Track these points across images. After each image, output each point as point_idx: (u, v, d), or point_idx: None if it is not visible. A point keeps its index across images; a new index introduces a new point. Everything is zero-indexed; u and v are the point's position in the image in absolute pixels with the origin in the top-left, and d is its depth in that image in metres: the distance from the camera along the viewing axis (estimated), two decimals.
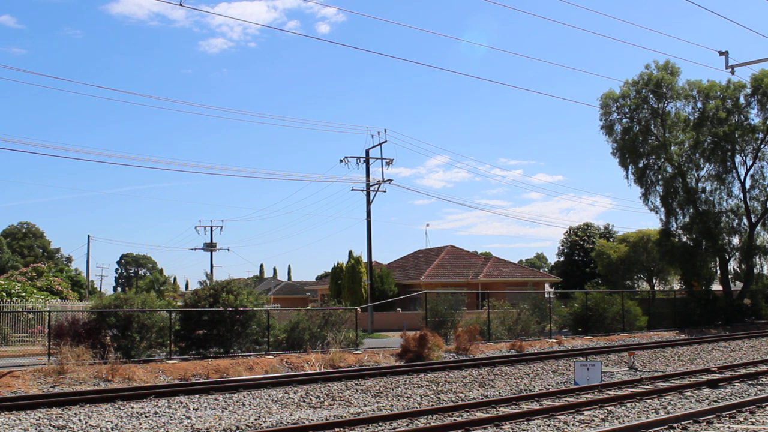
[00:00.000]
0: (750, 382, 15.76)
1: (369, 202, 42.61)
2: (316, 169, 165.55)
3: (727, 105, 49.44)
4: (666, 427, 10.41)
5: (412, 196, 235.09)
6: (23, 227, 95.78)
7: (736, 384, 15.41)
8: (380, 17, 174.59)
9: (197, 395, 15.05)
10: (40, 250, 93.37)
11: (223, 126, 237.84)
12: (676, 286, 54.57)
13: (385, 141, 42.25)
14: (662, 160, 51.06)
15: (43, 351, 22.44)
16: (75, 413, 12.77)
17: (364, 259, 47.78)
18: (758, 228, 50.30)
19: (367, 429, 10.94)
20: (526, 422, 11.24)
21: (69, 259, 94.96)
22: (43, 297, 39.47)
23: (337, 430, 10.86)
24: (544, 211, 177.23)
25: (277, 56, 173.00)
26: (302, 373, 19.91)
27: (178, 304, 33.71)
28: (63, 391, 16.76)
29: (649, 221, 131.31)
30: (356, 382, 16.40)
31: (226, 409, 13.11)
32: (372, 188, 42.48)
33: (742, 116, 49.96)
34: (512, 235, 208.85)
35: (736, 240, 50.91)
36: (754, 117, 50.19)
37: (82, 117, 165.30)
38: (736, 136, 49.60)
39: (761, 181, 51.39)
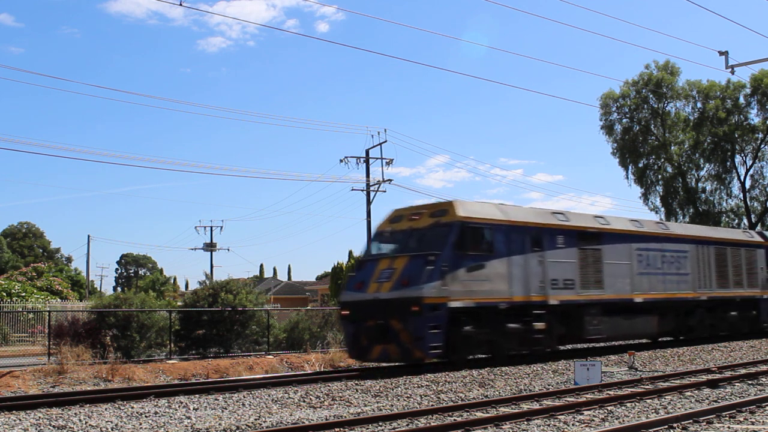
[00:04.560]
0: (750, 382, 15.76)
1: (369, 202, 42.60)
2: (316, 169, 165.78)
3: (727, 105, 49.53)
4: (666, 427, 10.41)
5: (412, 196, 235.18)
6: (23, 227, 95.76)
7: (736, 384, 15.41)
8: (380, 17, 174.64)
9: (197, 395, 15.05)
10: (40, 250, 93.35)
11: (223, 126, 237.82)
12: None
13: (385, 141, 42.24)
14: (662, 160, 51.16)
15: (43, 351, 22.44)
16: (75, 413, 12.76)
17: None
18: (758, 228, 50.33)
19: (367, 429, 10.93)
20: (526, 422, 11.23)
21: (69, 259, 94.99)
22: (43, 297, 39.53)
23: (337, 429, 10.85)
24: None
25: (277, 55, 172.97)
26: (302, 373, 19.91)
27: (178, 304, 33.71)
28: (63, 391, 16.76)
29: None
30: (356, 382, 16.40)
31: (226, 409, 13.11)
32: (372, 188, 42.50)
33: (742, 116, 50.07)
34: None
35: None
36: (754, 117, 50.37)
37: (81, 117, 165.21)
38: (736, 136, 49.71)
39: (761, 181, 51.52)
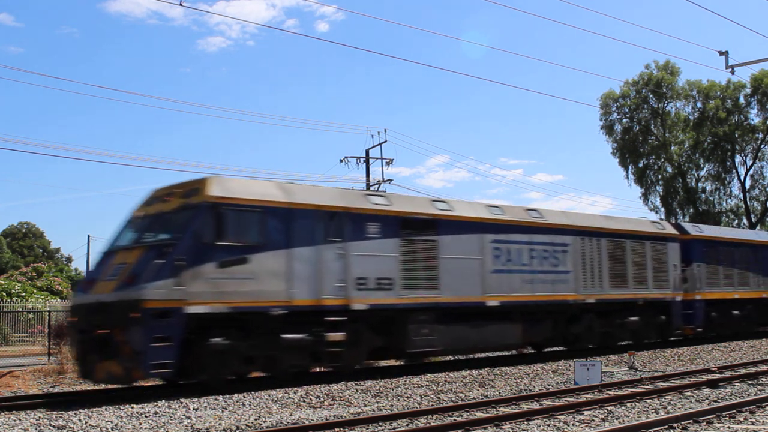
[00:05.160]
0: (750, 382, 15.77)
1: None
2: (316, 169, 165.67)
3: (727, 105, 49.60)
4: (666, 427, 10.42)
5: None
6: (23, 227, 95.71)
7: (736, 384, 15.42)
8: (380, 17, 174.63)
9: (197, 395, 15.05)
10: (40, 250, 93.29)
11: (223, 126, 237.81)
12: None
13: (385, 141, 42.24)
14: (662, 160, 51.24)
15: (43, 351, 22.48)
16: (75, 413, 12.77)
17: None
18: (758, 228, 50.37)
19: (367, 429, 10.94)
20: (526, 422, 11.24)
21: (69, 259, 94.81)
22: (43, 297, 39.56)
23: (337, 429, 10.86)
24: None
25: (276, 55, 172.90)
26: (302, 372, 19.88)
27: None
28: (63, 391, 16.76)
29: None
30: (356, 382, 16.40)
31: (226, 409, 13.11)
32: (372, 188, 42.52)
33: (742, 116, 50.16)
34: None
35: None
36: (754, 117, 50.46)
37: (81, 116, 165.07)
38: (736, 136, 49.78)
39: (761, 181, 51.61)
